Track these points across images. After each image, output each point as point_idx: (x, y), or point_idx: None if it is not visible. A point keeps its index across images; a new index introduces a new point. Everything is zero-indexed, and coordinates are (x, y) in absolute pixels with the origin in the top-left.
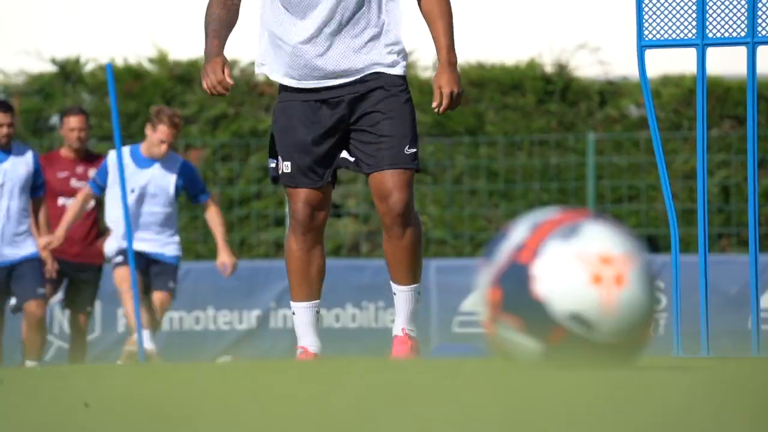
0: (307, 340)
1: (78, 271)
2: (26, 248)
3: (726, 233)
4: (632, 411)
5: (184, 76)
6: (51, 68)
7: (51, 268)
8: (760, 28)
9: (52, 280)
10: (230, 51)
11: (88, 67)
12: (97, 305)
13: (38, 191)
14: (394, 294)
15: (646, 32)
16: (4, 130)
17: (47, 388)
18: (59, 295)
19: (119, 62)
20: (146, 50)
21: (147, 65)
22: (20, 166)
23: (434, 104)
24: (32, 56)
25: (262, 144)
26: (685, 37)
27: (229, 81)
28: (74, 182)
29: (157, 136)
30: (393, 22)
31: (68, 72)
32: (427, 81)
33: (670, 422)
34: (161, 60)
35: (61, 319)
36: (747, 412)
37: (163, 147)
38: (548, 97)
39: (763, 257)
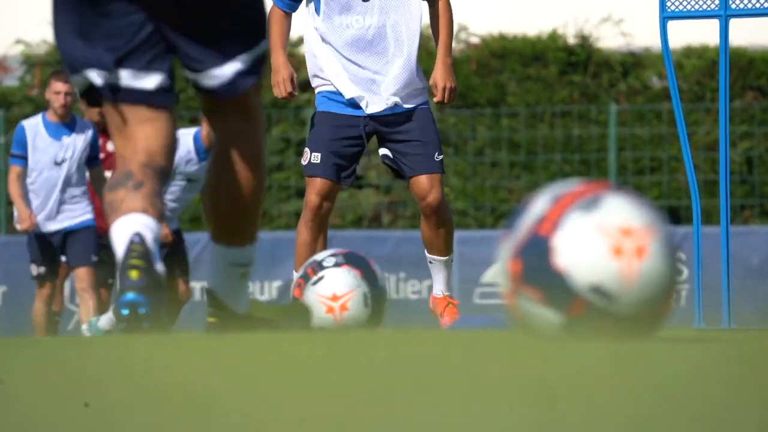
0: None
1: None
2: (82, 216)
3: (749, 204)
4: (653, 383)
5: None
6: None
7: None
8: None
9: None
10: None
11: None
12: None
13: (95, 162)
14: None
15: (668, 3)
16: (62, 98)
17: (68, 358)
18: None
19: None
20: None
21: None
22: (81, 141)
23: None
24: None
25: (284, 115)
26: (708, 8)
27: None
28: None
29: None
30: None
31: None
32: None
33: (691, 393)
34: None
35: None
36: None
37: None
38: (570, 68)
39: None
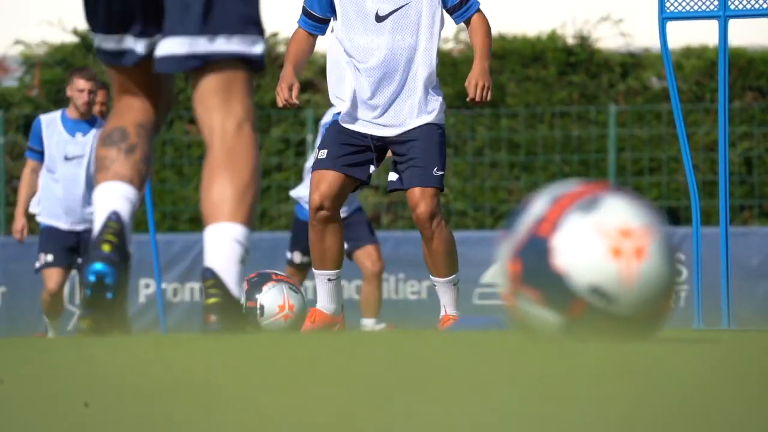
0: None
1: None
2: None
3: (748, 205)
4: (652, 383)
5: None
6: (73, 39)
7: None
8: None
9: None
10: None
11: None
12: None
13: None
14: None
15: (667, 4)
16: (86, 96)
17: (67, 359)
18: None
19: None
20: None
21: None
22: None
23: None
24: (54, 27)
25: (283, 116)
26: (707, 9)
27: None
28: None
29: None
30: None
31: (90, 43)
32: (448, 53)
33: (690, 394)
34: None
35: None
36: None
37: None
38: (570, 68)
39: None
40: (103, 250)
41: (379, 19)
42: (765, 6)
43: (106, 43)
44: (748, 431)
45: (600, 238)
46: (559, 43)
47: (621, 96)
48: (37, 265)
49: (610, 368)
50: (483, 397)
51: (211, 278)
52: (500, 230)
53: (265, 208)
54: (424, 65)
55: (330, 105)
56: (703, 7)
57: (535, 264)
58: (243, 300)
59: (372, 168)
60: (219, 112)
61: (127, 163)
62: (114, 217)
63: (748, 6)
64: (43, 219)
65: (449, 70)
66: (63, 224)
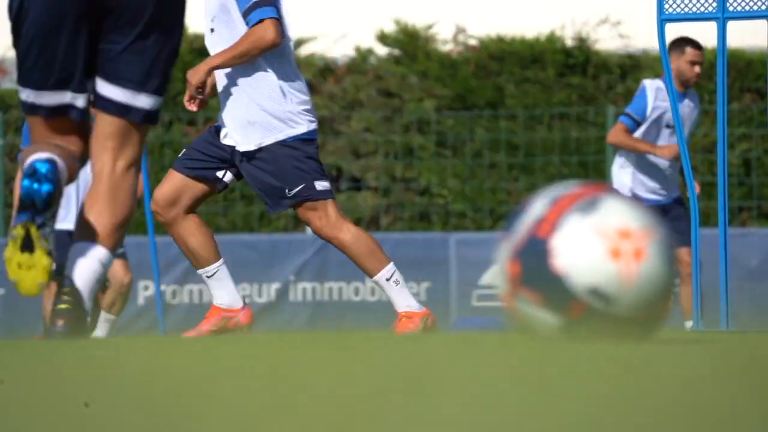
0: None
1: None
2: None
3: (746, 206)
4: (651, 384)
5: (204, 49)
6: None
7: None
8: None
9: None
10: None
11: None
12: None
13: None
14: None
15: (666, 5)
16: None
17: (65, 361)
18: None
19: None
20: None
21: None
22: None
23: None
24: None
25: None
26: (706, 11)
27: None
28: None
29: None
30: None
31: None
32: (447, 54)
33: (689, 395)
34: None
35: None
36: (766, 385)
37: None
38: (568, 70)
39: None
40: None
41: (211, 33)
42: (763, 7)
43: (43, 98)
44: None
45: (599, 239)
46: (557, 44)
47: (619, 97)
48: None
49: (610, 369)
50: (482, 398)
51: (69, 286)
52: (499, 231)
53: (263, 209)
54: (250, 80)
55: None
56: (702, 9)
57: (535, 265)
58: (90, 311)
59: (227, 176)
60: (113, 153)
61: (57, 149)
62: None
63: (747, 8)
64: None
65: (448, 71)
66: (66, 225)
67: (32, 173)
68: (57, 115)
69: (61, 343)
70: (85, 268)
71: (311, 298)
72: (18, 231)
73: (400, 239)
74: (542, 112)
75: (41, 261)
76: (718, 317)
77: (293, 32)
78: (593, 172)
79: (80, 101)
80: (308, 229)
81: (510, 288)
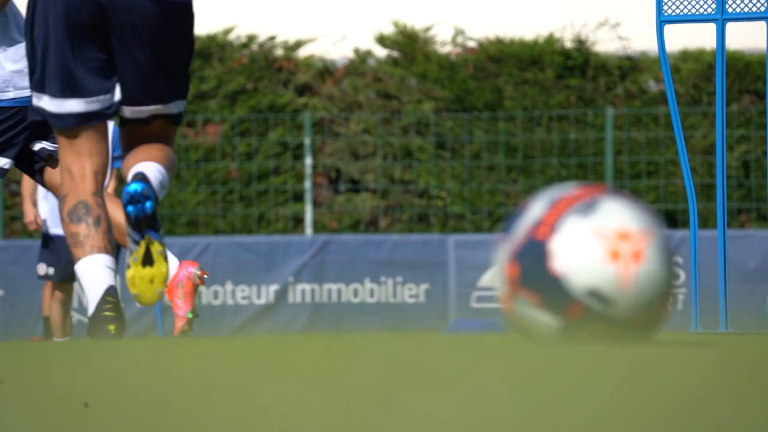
0: None
1: None
2: None
3: (745, 208)
4: (650, 387)
5: (202, 50)
6: None
7: None
8: None
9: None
10: (247, 26)
11: None
12: None
13: (116, 162)
14: None
15: (665, 7)
16: None
17: (64, 362)
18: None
19: None
20: None
21: None
22: None
23: None
24: None
25: (281, 119)
26: (705, 12)
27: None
28: None
29: None
30: None
31: None
32: (446, 56)
33: (688, 397)
34: None
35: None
36: (766, 387)
37: None
38: (567, 72)
39: None
40: (110, 331)
41: None
42: (762, 9)
43: (81, 107)
44: None
45: (598, 241)
46: (556, 46)
47: (619, 99)
48: (40, 273)
49: (608, 371)
50: (481, 400)
51: (113, 295)
52: (498, 233)
53: (262, 211)
54: None
55: (324, 109)
56: (701, 11)
57: (533, 267)
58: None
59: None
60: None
61: (98, 235)
62: (111, 291)
63: (746, 9)
64: (50, 227)
65: (447, 73)
66: (55, 230)
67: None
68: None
69: (60, 344)
70: (152, 173)
71: (310, 300)
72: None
73: (398, 241)
74: (541, 113)
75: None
76: (716, 319)
77: (293, 33)
78: (592, 173)
79: (99, 105)
80: (307, 231)
81: (509, 290)
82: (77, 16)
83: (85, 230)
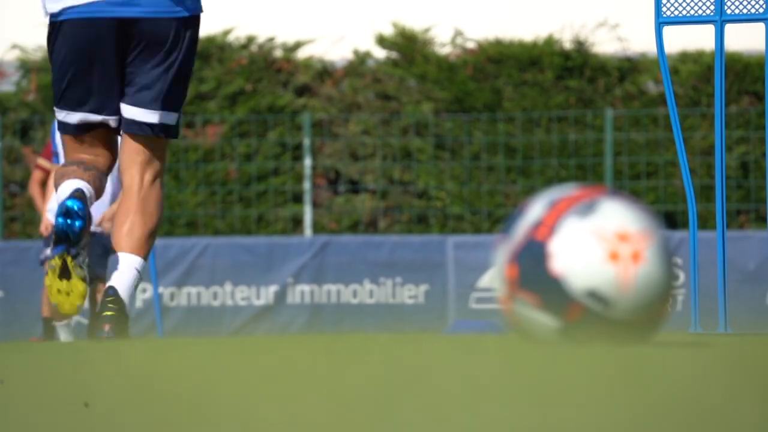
0: None
1: None
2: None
3: (744, 209)
4: (650, 387)
5: (202, 52)
6: None
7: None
8: None
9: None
10: (246, 27)
11: None
12: None
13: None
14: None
15: (664, 8)
16: None
17: (64, 363)
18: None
19: None
20: None
21: None
22: None
23: None
24: None
25: (280, 120)
26: (704, 14)
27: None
28: None
29: None
30: None
31: None
32: (445, 57)
33: (687, 398)
34: None
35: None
36: (765, 388)
37: None
38: (566, 73)
39: None
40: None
41: None
42: (761, 10)
43: (73, 117)
44: None
45: (597, 242)
46: (556, 47)
47: (618, 100)
48: (42, 257)
49: (607, 372)
50: (480, 401)
51: (112, 295)
52: (497, 234)
53: (261, 212)
54: None
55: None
56: (700, 12)
57: (533, 268)
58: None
59: None
60: (141, 167)
61: (86, 174)
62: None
63: (745, 11)
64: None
65: (446, 74)
66: None
67: (65, 212)
68: (88, 131)
69: (60, 345)
70: (124, 277)
71: (309, 301)
72: (56, 261)
73: (398, 242)
74: (540, 114)
75: (77, 287)
76: (716, 320)
77: (292, 34)
78: (591, 174)
79: (112, 122)
80: (307, 232)
81: (508, 291)
82: (101, 44)
83: (73, 169)
